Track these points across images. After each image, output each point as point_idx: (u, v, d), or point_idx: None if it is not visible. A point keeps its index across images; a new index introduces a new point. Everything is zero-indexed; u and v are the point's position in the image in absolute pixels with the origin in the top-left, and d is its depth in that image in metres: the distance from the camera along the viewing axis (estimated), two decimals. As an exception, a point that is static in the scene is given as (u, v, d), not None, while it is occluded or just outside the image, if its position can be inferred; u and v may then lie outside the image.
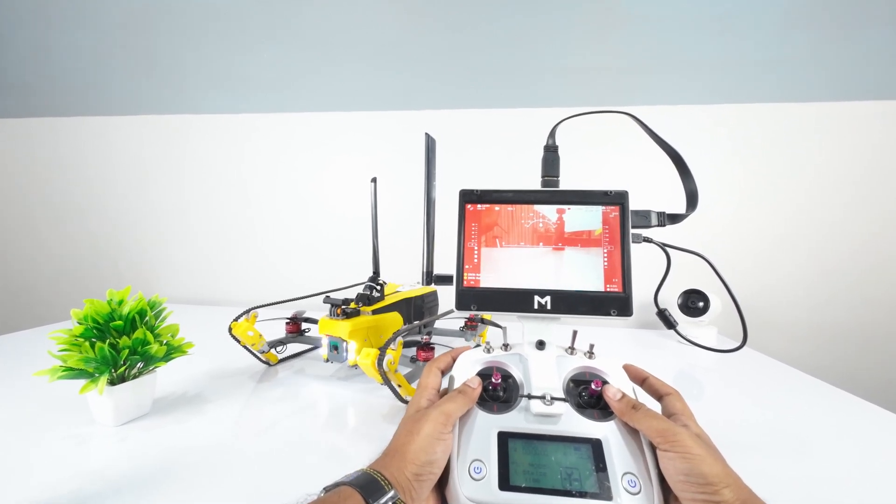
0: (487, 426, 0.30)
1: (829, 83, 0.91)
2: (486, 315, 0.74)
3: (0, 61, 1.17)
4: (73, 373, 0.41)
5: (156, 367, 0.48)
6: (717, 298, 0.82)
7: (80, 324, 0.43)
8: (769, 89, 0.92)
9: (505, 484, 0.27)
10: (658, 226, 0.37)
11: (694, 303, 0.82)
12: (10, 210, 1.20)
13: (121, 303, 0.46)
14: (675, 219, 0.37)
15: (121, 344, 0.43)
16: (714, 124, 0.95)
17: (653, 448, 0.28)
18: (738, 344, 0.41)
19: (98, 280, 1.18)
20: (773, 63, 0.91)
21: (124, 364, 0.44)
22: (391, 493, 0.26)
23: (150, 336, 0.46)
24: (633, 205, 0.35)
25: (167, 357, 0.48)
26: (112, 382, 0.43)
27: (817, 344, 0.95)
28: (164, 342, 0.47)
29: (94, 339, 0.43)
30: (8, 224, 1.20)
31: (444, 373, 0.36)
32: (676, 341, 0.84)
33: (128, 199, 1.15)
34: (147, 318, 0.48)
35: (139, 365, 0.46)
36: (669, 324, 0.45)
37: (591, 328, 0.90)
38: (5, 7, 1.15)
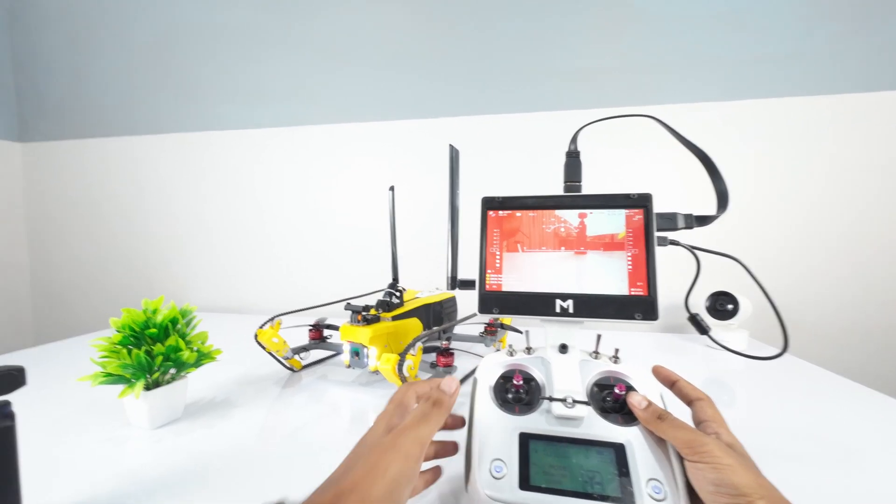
0: (509, 427, 0.30)
1: (853, 74, 0.87)
2: (506, 320, 0.74)
3: (40, 87, 1.25)
4: (112, 378, 0.43)
5: (187, 373, 0.50)
6: (747, 300, 0.79)
7: (118, 332, 0.45)
8: (791, 83, 0.89)
9: (525, 484, 0.27)
10: (685, 228, 0.36)
11: (722, 305, 0.79)
12: (49, 227, 1.27)
13: (155, 311, 0.48)
14: (704, 221, 0.36)
15: (155, 350, 0.45)
16: (734, 121, 0.92)
17: (680, 455, 0.27)
18: (777, 351, 0.40)
19: (128, 291, 1.23)
20: (795, 56, 0.89)
21: (158, 370, 0.46)
22: None
23: (181, 343, 0.47)
24: (660, 207, 0.34)
25: (197, 363, 0.49)
26: (147, 387, 0.45)
27: (852, 346, 0.90)
28: (195, 349, 0.49)
29: (130, 347, 0.45)
30: (48, 240, 1.28)
31: (419, 399, 0.31)
32: (705, 346, 0.81)
33: (155, 214, 1.21)
34: (179, 325, 0.49)
35: (172, 371, 0.48)
36: (702, 329, 0.44)
37: (617, 333, 0.88)
38: (45, 35, 1.23)
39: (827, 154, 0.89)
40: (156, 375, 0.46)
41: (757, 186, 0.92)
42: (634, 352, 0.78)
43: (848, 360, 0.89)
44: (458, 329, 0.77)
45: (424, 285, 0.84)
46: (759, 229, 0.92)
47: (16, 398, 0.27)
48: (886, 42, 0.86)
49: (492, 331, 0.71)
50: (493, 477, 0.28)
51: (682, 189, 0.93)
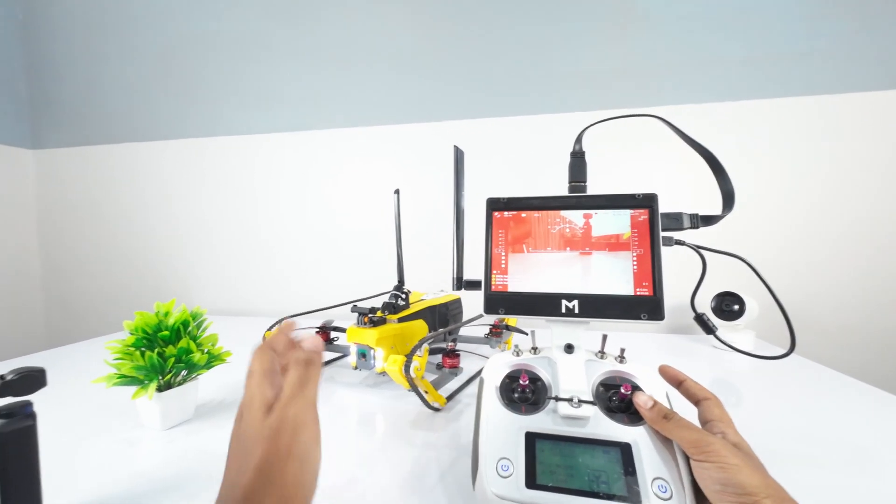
0: (515, 426, 0.31)
1: (857, 73, 0.87)
2: (512, 321, 0.74)
3: (51, 95, 1.28)
4: (126, 380, 0.44)
5: (198, 375, 0.50)
6: (754, 301, 0.78)
7: (131, 334, 0.46)
8: (795, 83, 0.89)
9: (532, 482, 0.28)
10: (691, 228, 0.36)
11: (728, 306, 0.79)
12: (59, 233, 1.30)
13: (167, 314, 0.49)
14: (709, 220, 0.36)
15: (167, 353, 0.46)
16: (738, 121, 0.92)
17: (686, 454, 0.27)
18: (784, 350, 0.40)
19: (137, 295, 1.25)
20: (798, 56, 0.88)
21: (170, 371, 0.47)
22: None
23: (193, 345, 0.48)
24: (665, 207, 0.35)
25: (208, 365, 0.50)
26: (160, 389, 0.46)
27: (857, 345, 0.89)
28: (206, 351, 0.50)
29: (143, 349, 0.46)
30: (59, 245, 1.30)
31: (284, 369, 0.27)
32: (711, 346, 0.80)
33: (163, 219, 1.23)
34: (190, 328, 0.50)
35: (183, 372, 0.49)
36: (709, 329, 0.44)
37: (623, 333, 0.88)
38: (57, 45, 1.26)
39: (831, 153, 0.89)
40: (168, 377, 0.47)
41: (761, 186, 0.92)
42: (641, 352, 0.78)
43: (853, 359, 0.88)
44: (464, 331, 0.77)
45: (430, 287, 0.85)
46: (764, 229, 0.92)
47: (35, 399, 0.28)
48: (890, 41, 0.85)
49: (497, 332, 0.71)
50: (500, 476, 0.28)
51: (688, 189, 0.92)
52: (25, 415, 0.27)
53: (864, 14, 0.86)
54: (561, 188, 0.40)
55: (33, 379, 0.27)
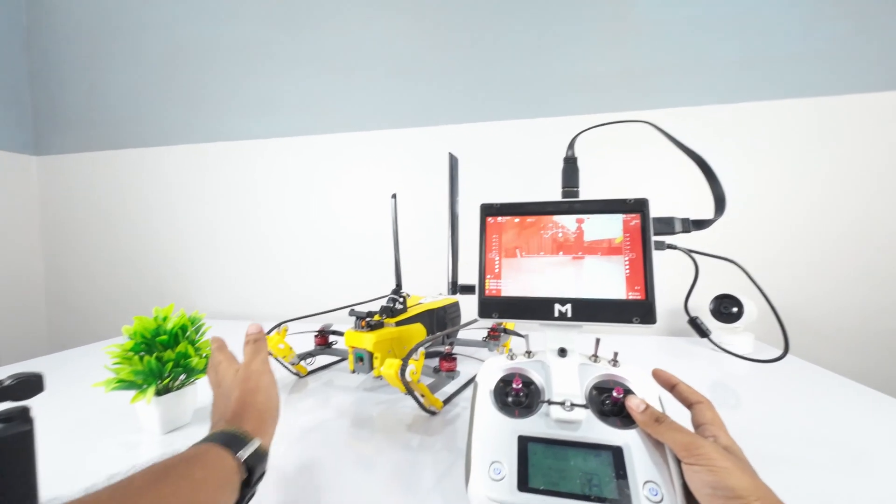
0: (508, 430, 0.31)
1: (854, 75, 0.87)
2: (509, 324, 0.74)
3: (55, 101, 1.29)
4: (124, 384, 0.45)
5: (196, 379, 0.51)
6: (752, 303, 0.78)
7: (130, 339, 0.47)
8: (791, 85, 0.89)
9: (524, 485, 0.28)
10: (683, 232, 0.37)
11: (727, 308, 0.79)
12: (63, 238, 1.31)
13: (165, 319, 0.49)
14: (701, 224, 0.37)
15: (165, 357, 0.46)
16: (735, 123, 0.92)
17: (677, 458, 0.27)
18: (778, 353, 0.40)
19: (139, 299, 1.26)
20: (794, 58, 0.89)
21: (169, 376, 0.47)
22: (254, 441, 0.28)
23: (191, 350, 0.49)
24: (658, 211, 0.35)
25: (206, 369, 0.50)
26: (158, 393, 0.46)
27: (857, 347, 0.89)
28: (204, 355, 0.50)
29: (142, 353, 0.46)
30: (62, 250, 1.31)
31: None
32: (710, 349, 0.80)
33: (165, 224, 1.23)
34: (188, 332, 0.51)
35: (182, 377, 0.49)
36: (702, 332, 0.44)
37: (620, 336, 0.88)
38: (60, 53, 1.28)
39: (829, 155, 0.89)
40: (166, 381, 0.47)
41: (759, 188, 0.92)
42: (638, 355, 0.78)
43: (854, 362, 0.88)
44: (462, 334, 0.77)
45: (428, 290, 0.85)
46: (763, 231, 0.92)
47: (34, 403, 0.28)
48: (886, 42, 0.85)
49: (495, 335, 0.71)
50: (493, 479, 0.28)
51: (681, 193, 0.93)
52: (23, 419, 0.27)
53: (861, 15, 0.86)
54: (555, 190, 0.41)
55: (31, 384, 0.27)
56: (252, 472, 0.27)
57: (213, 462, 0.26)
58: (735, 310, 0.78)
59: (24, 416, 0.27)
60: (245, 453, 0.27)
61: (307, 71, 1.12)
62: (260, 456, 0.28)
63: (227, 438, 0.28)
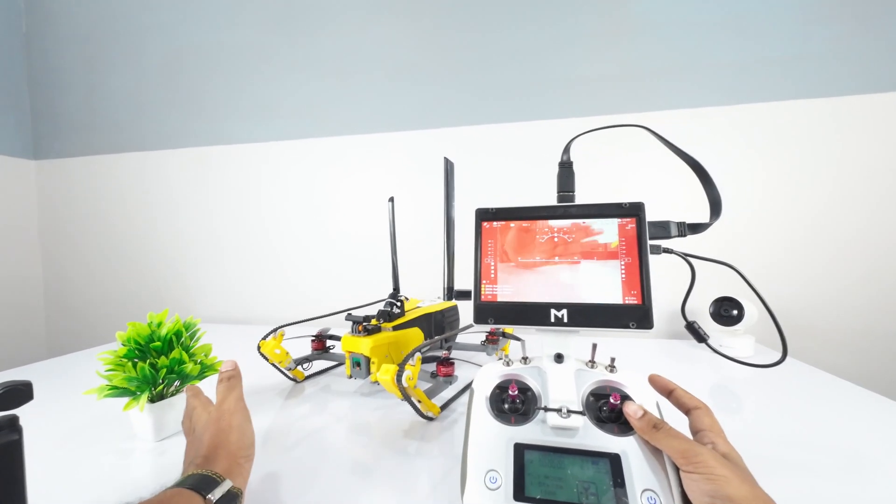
0: (504, 437, 0.31)
1: (856, 75, 0.87)
2: (508, 329, 0.74)
3: (54, 106, 1.29)
4: (117, 391, 0.44)
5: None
6: (752, 305, 0.78)
7: (123, 345, 0.46)
8: (793, 85, 0.89)
9: (520, 495, 0.27)
10: (679, 236, 0.36)
11: (727, 311, 0.79)
12: (62, 241, 1.31)
13: (159, 325, 0.49)
14: (696, 228, 0.36)
15: (159, 364, 0.46)
16: (736, 125, 0.92)
17: (675, 465, 0.27)
18: (777, 358, 0.39)
19: (139, 302, 1.26)
20: (793, 59, 0.89)
21: (162, 383, 0.47)
22: (225, 483, 0.28)
23: (185, 356, 0.48)
24: (654, 215, 0.35)
25: (201, 376, 0.50)
26: (152, 400, 0.46)
27: (862, 351, 0.88)
28: (199, 361, 0.50)
29: (136, 360, 0.46)
30: (61, 254, 1.31)
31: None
32: (709, 352, 0.80)
33: (164, 228, 1.23)
34: (183, 338, 0.50)
35: (176, 383, 0.49)
36: (700, 337, 0.43)
37: (620, 340, 0.87)
38: (60, 57, 1.28)
39: (832, 156, 0.89)
40: (160, 388, 0.47)
41: (759, 191, 0.91)
42: (637, 359, 0.77)
43: (856, 365, 0.88)
44: (460, 338, 0.77)
45: (426, 294, 0.84)
46: (763, 234, 0.91)
47: (24, 411, 0.28)
48: (889, 42, 0.85)
49: (493, 339, 0.71)
50: (488, 488, 0.28)
51: (679, 196, 0.92)
52: (11, 429, 0.27)
53: (859, 16, 0.86)
54: (550, 193, 0.40)
55: (19, 393, 0.27)
56: None
57: None
58: (735, 312, 0.77)
59: (12, 425, 0.27)
60: (215, 496, 0.27)
61: (306, 75, 1.12)
62: (232, 496, 0.28)
63: (197, 481, 0.28)
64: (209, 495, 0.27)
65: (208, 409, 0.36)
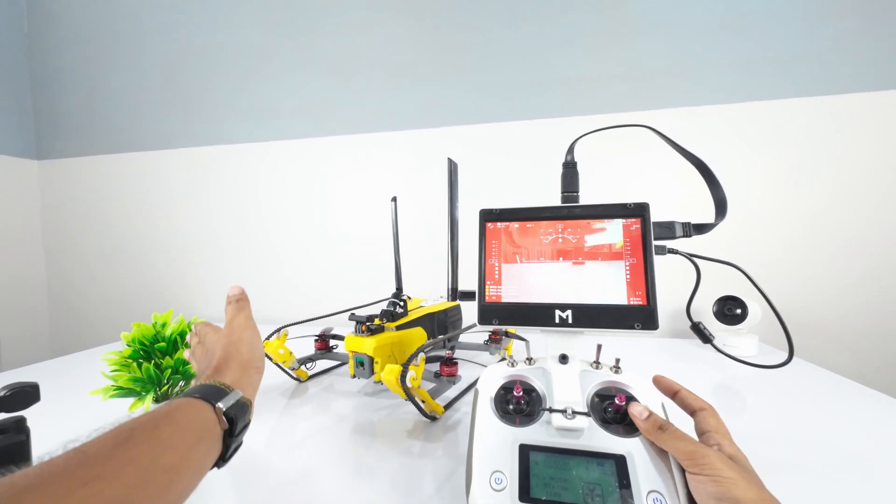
0: (509, 438, 0.31)
1: (858, 73, 0.86)
2: (511, 329, 0.74)
3: (56, 106, 1.30)
4: (122, 391, 0.44)
5: (195, 385, 0.50)
6: (756, 304, 0.78)
7: (128, 346, 0.47)
8: (795, 84, 0.89)
9: (525, 496, 0.27)
10: (684, 236, 0.36)
11: (730, 310, 0.78)
12: (65, 242, 1.31)
13: (164, 325, 0.49)
14: (702, 229, 0.36)
15: (164, 364, 0.46)
16: (738, 124, 0.92)
17: (681, 466, 0.27)
18: (783, 355, 0.39)
19: (141, 302, 1.26)
20: (794, 58, 0.88)
21: (167, 383, 0.47)
22: (235, 392, 0.28)
23: (190, 356, 0.48)
24: (659, 215, 0.34)
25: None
26: (157, 400, 0.46)
27: (867, 350, 0.87)
28: (203, 361, 0.50)
29: (141, 360, 0.46)
30: (64, 254, 1.31)
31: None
32: (715, 351, 0.79)
33: (166, 227, 1.24)
34: (187, 338, 0.51)
35: (181, 383, 0.49)
36: (705, 337, 0.43)
37: (624, 339, 0.87)
38: (61, 58, 1.28)
39: (834, 154, 0.88)
40: (165, 388, 0.47)
41: (763, 190, 0.91)
42: (641, 359, 0.77)
43: (858, 363, 0.87)
44: (463, 337, 0.77)
45: (429, 294, 0.84)
46: (768, 232, 0.91)
47: (30, 411, 0.28)
48: (890, 39, 0.85)
49: (496, 339, 0.71)
50: (493, 489, 0.28)
51: (685, 196, 0.92)
52: (18, 430, 0.27)
53: (860, 14, 0.86)
54: (554, 193, 0.40)
55: (26, 395, 0.27)
56: (234, 423, 0.27)
57: (189, 417, 0.25)
58: (739, 312, 0.77)
59: (19, 426, 0.27)
60: (225, 404, 0.27)
61: (307, 74, 1.12)
62: (242, 406, 0.28)
63: (207, 391, 0.27)
64: (218, 404, 0.26)
65: (218, 330, 0.37)
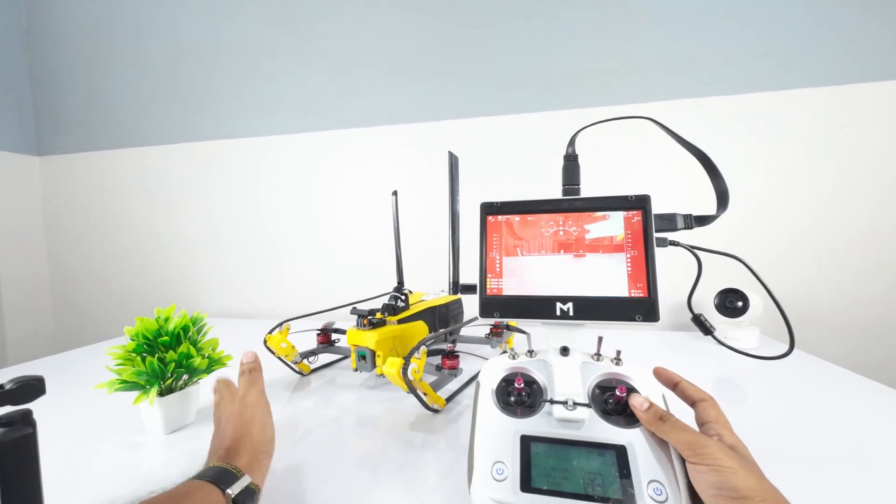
0: (510, 429, 0.31)
1: (862, 63, 0.85)
2: (512, 322, 0.74)
3: (56, 102, 1.29)
4: (127, 385, 0.45)
5: (199, 379, 0.51)
6: (757, 297, 0.78)
7: (132, 340, 0.47)
8: (798, 74, 0.88)
9: (526, 486, 0.28)
10: (685, 228, 0.36)
11: (732, 302, 0.78)
12: (67, 238, 1.31)
13: (167, 319, 0.49)
14: (703, 221, 0.36)
15: (168, 358, 0.46)
16: (741, 115, 0.91)
17: (682, 456, 0.27)
18: (784, 347, 0.39)
19: (144, 298, 1.27)
20: (799, 48, 0.87)
21: (171, 377, 0.47)
22: (244, 478, 0.29)
23: (193, 350, 0.49)
24: (660, 207, 0.34)
25: (209, 369, 0.51)
26: (161, 394, 0.46)
27: (869, 342, 0.87)
28: (206, 355, 0.50)
29: (144, 354, 0.46)
30: (66, 251, 1.32)
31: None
32: (715, 344, 0.80)
33: (168, 223, 1.24)
34: (190, 333, 0.51)
35: (184, 377, 0.49)
36: (706, 329, 0.43)
37: (625, 332, 0.87)
38: (60, 54, 1.27)
39: (838, 146, 0.87)
40: (169, 382, 0.47)
41: (766, 181, 0.90)
42: (642, 351, 0.77)
43: (861, 356, 0.87)
44: (465, 331, 0.77)
45: (431, 288, 0.85)
46: (771, 224, 0.90)
47: (36, 405, 0.28)
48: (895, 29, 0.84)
49: (498, 332, 0.71)
50: (495, 479, 0.28)
51: (687, 188, 0.92)
52: (25, 423, 0.27)
53: (865, 3, 0.85)
54: (555, 186, 0.40)
55: (32, 387, 0.27)
56: None
57: (201, 500, 0.27)
58: (740, 304, 0.77)
59: (26, 419, 0.27)
60: (235, 490, 0.28)
61: (308, 68, 1.11)
62: (250, 492, 0.29)
63: (218, 474, 0.28)
64: (228, 490, 0.27)
65: (233, 401, 0.37)
